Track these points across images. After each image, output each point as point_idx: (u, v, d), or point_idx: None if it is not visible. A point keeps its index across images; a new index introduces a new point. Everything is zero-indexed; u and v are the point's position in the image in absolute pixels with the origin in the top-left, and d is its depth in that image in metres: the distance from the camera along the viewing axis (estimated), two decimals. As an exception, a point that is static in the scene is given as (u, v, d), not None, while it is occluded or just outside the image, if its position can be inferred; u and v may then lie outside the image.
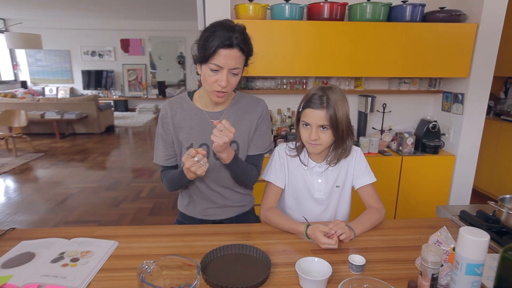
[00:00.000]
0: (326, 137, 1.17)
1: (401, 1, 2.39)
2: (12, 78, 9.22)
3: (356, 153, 1.30)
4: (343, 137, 1.19)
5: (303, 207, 1.30)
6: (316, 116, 1.15)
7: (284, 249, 1.09)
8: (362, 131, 2.78)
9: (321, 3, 2.33)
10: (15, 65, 9.26)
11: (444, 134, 2.67)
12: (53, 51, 9.10)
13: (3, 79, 8.95)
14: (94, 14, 7.96)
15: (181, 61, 9.43)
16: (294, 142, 1.32)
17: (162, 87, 9.28)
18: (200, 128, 1.21)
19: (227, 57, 1.05)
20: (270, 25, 2.30)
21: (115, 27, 8.97)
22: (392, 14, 2.41)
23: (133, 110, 9.50)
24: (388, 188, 2.59)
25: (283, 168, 1.30)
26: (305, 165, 1.27)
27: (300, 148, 1.29)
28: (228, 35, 1.04)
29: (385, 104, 2.78)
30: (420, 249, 0.85)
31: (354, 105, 2.83)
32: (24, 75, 9.30)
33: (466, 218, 1.25)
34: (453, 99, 2.59)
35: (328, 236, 1.04)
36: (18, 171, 4.59)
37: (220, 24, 1.08)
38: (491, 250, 1.07)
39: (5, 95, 7.08)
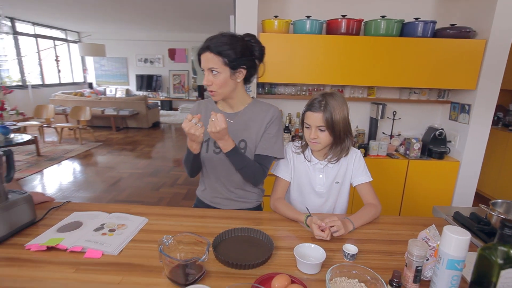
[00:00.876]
0: (324, 136, 1.17)
1: (414, 18, 2.29)
2: (82, 80, 9.82)
3: (356, 154, 1.27)
4: (340, 137, 1.18)
5: (305, 199, 1.30)
6: (314, 118, 1.15)
7: (287, 235, 1.09)
8: (373, 135, 2.69)
9: (339, 19, 2.29)
10: (84, 69, 9.84)
11: (450, 141, 2.54)
12: (114, 58, 9.57)
13: (75, 80, 9.56)
14: (147, 28, 8.28)
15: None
16: (299, 141, 1.32)
17: (201, 90, 9.48)
18: None
19: (203, 59, 1.11)
20: (292, 38, 2.29)
21: (164, 38, 9.27)
22: (405, 30, 2.32)
23: (176, 109, 9.79)
24: (394, 188, 2.50)
25: (290, 164, 1.30)
26: (308, 161, 1.27)
27: (304, 147, 1.29)
28: (204, 43, 1.10)
29: (395, 111, 2.69)
30: (410, 244, 0.83)
31: (366, 112, 2.75)
32: (91, 78, 9.86)
33: (459, 219, 1.18)
34: (460, 109, 2.45)
35: (321, 229, 1.02)
36: (82, 156, 4.87)
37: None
38: (480, 250, 1.01)
39: (76, 94, 7.54)
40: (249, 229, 1.06)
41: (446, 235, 0.74)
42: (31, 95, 7.46)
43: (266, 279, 0.83)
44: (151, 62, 9.59)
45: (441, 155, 2.47)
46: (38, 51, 7.94)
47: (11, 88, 6.08)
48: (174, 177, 4.01)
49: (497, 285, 0.62)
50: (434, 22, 2.26)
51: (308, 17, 2.31)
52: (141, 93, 9.51)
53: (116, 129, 6.84)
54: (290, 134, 2.60)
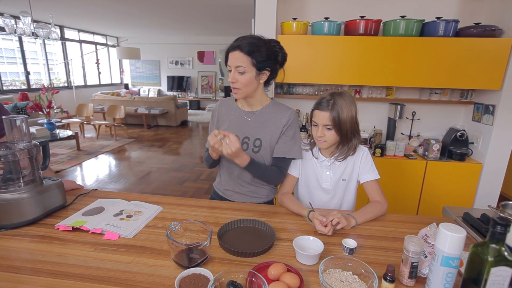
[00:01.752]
0: (331, 135, 1.16)
1: (435, 18, 2.19)
2: (118, 81, 10.35)
3: (363, 152, 1.25)
4: (347, 136, 1.16)
5: (312, 195, 1.29)
6: (321, 116, 1.15)
7: (290, 228, 1.10)
8: (390, 136, 2.61)
9: (357, 20, 2.24)
10: (121, 71, 10.37)
11: (472, 143, 2.39)
12: (147, 61, 9.99)
13: (113, 82, 10.09)
14: (178, 32, 8.55)
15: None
16: (308, 139, 1.32)
17: (227, 91, 9.61)
18: (236, 122, 1.27)
19: (231, 58, 1.13)
20: (310, 39, 2.28)
21: (194, 41, 9.53)
22: (425, 30, 2.22)
23: (203, 109, 10.02)
24: (410, 189, 2.41)
25: (298, 160, 1.30)
26: (316, 158, 1.26)
27: (312, 144, 1.28)
28: (234, 41, 1.13)
29: (414, 112, 2.58)
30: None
31: (384, 112, 2.67)
32: (127, 79, 10.36)
33: (468, 220, 1.13)
34: (484, 110, 2.31)
35: (323, 225, 1.02)
36: (116, 151, 5.15)
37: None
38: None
39: (113, 94, 7.97)
40: (254, 220, 1.08)
41: (441, 232, 0.72)
42: (74, 95, 7.99)
43: (264, 267, 0.84)
44: (182, 64, 9.88)
45: (462, 157, 2.34)
46: (82, 55, 8.48)
47: (58, 89, 6.56)
48: (198, 173, 4.12)
49: (487, 282, 0.60)
50: (457, 21, 2.15)
51: (326, 18, 2.29)
52: (171, 93, 9.83)
53: (147, 127, 7.12)
54: (307, 133, 2.58)
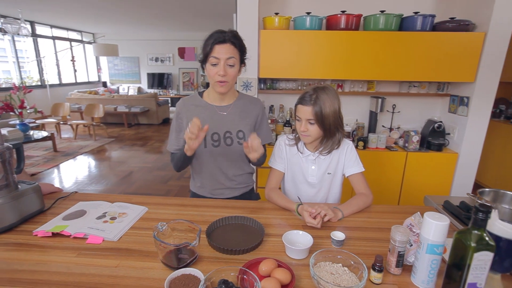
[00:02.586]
0: (314, 129, 1.16)
1: (413, 13, 2.24)
2: (96, 79, 9.97)
3: (348, 146, 1.26)
4: (330, 130, 1.17)
5: (299, 189, 1.30)
6: (304, 111, 1.16)
7: (278, 223, 1.10)
8: (372, 129, 2.66)
9: (338, 15, 2.26)
10: (99, 69, 9.99)
11: (449, 134, 2.49)
12: (126, 58, 9.68)
13: (90, 80, 9.72)
14: (158, 28, 8.32)
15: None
16: (293, 134, 1.32)
17: (209, 87, 9.51)
18: (213, 119, 1.24)
19: (221, 50, 1.10)
20: (292, 34, 2.27)
21: (174, 37, 9.31)
22: (404, 24, 2.27)
23: (186, 106, 9.84)
24: (392, 180, 2.48)
25: (284, 156, 1.30)
26: (301, 153, 1.27)
27: (297, 139, 1.29)
28: (221, 34, 1.11)
29: (394, 105, 2.65)
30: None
31: (366, 106, 2.72)
32: (105, 77, 10.01)
33: (448, 208, 1.17)
34: (459, 102, 2.40)
35: (312, 216, 1.03)
36: (95, 151, 4.97)
37: (215, 30, 1.14)
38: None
39: (90, 92, 7.67)
40: (242, 217, 1.07)
41: (426, 221, 0.74)
42: (49, 94, 7.63)
43: (254, 264, 0.84)
44: (162, 60, 9.65)
45: (439, 147, 2.43)
46: (56, 52, 8.10)
47: (30, 88, 6.23)
48: (182, 171, 4.05)
49: (470, 266, 0.62)
50: (433, 16, 2.21)
51: (308, 13, 2.29)
52: (152, 90, 9.59)
53: (128, 126, 6.94)
54: (291, 128, 2.59)
